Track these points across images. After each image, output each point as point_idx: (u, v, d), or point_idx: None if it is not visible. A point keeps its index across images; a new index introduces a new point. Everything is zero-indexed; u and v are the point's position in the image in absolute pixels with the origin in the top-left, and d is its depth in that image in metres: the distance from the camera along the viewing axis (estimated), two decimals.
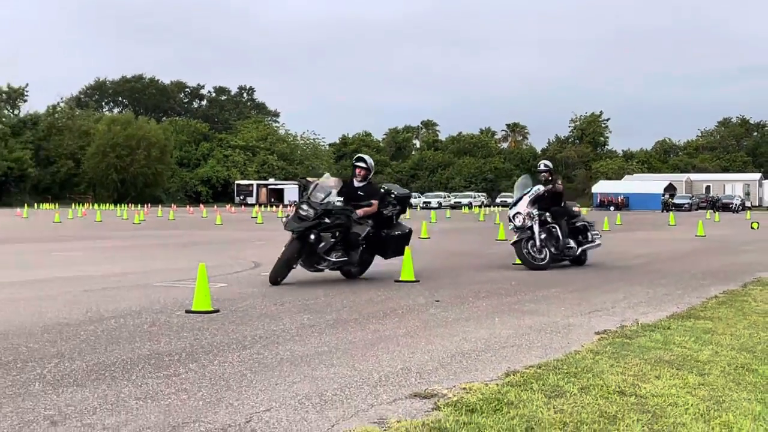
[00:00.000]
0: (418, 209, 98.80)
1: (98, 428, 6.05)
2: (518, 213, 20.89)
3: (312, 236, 16.21)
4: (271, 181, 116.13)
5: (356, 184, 18.28)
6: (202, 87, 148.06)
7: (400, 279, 17.70)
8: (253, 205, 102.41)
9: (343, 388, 7.34)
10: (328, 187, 17.52)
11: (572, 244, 21.89)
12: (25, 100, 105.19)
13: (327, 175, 19.04)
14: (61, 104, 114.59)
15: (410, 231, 19.40)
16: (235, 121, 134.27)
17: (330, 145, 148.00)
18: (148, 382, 7.62)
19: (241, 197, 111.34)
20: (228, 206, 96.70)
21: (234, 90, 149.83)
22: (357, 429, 5.90)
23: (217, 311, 12.24)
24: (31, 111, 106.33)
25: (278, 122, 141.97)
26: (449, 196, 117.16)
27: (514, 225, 20.83)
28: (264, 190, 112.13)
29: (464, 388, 7.24)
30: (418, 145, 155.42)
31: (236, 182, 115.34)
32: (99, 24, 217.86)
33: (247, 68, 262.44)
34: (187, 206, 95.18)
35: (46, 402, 6.84)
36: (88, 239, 39.29)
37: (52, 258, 26.38)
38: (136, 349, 9.24)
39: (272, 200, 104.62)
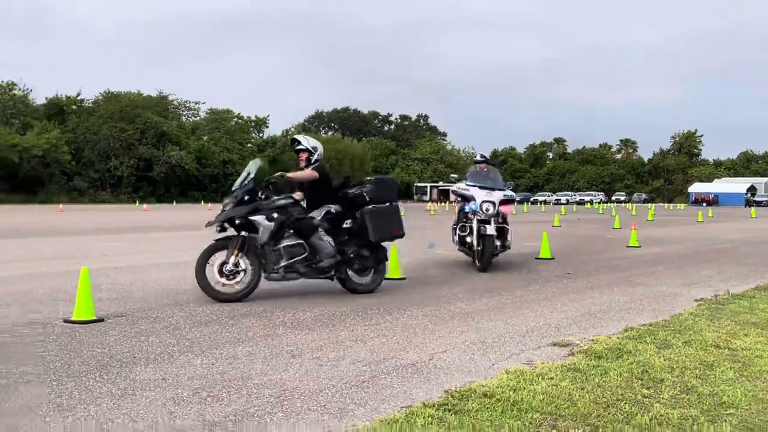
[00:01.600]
0: (551, 205, 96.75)
1: (324, 360, 6.47)
2: (492, 202, 14.29)
3: (237, 221, 9.84)
4: (441, 183, 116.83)
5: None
6: (391, 115, 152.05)
7: (540, 257, 17.21)
8: (427, 201, 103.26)
9: (500, 337, 7.59)
10: (247, 168, 10.90)
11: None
12: (267, 126, 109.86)
13: (257, 160, 11.50)
14: (291, 129, 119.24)
15: (394, 204, 11.45)
16: (415, 140, 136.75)
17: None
18: (358, 328, 8.03)
19: (419, 195, 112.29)
20: (407, 202, 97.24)
21: (414, 117, 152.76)
22: (511, 367, 6.15)
23: (404, 279, 12.56)
24: (271, 134, 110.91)
25: (446, 140, 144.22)
26: (575, 195, 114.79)
27: (484, 213, 13.97)
28: (435, 190, 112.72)
29: (592, 340, 7.36)
30: (551, 156, 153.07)
31: (415, 184, 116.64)
32: (322, 70, 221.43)
33: (424, 99, 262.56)
34: None
35: (288, 340, 7.32)
36: None
37: None
38: (348, 304, 9.67)
39: (441, 198, 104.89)
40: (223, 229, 10.01)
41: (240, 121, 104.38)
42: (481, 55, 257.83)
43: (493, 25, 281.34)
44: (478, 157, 15.77)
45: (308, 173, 10.79)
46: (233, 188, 10.32)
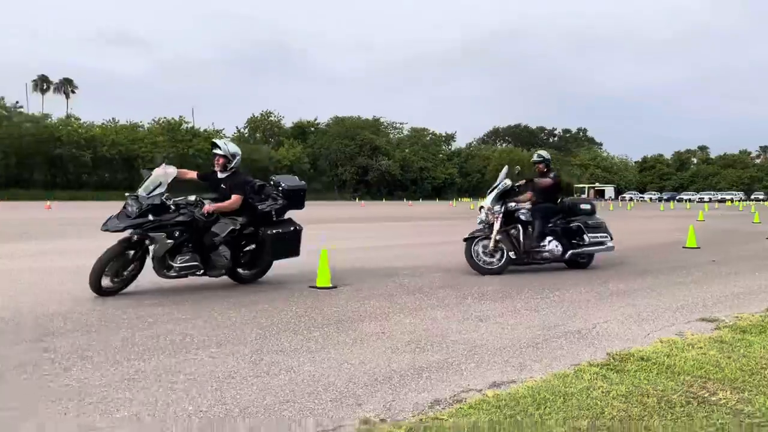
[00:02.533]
0: (696, 203, 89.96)
1: (505, 325, 6.42)
2: (482, 206, 10.87)
3: (135, 237, 7.66)
4: (597, 184, 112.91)
5: (219, 175, 8.69)
6: (555, 129, 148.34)
7: (686, 246, 15.60)
8: None
9: (653, 312, 7.16)
10: (160, 176, 8.12)
11: (551, 246, 10.49)
12: (454, 140, 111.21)
13: (164, 164, 8.53)
14: (473, 142, 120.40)
15: (297, 229, 9.09)
16: (575, 149, 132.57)
17: (635, 162, 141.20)
18: (531, 301, 7.87)
19: (578, 194, 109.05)
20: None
21: (574, 130, 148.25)
22: (664, 337, 5.81)
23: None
24: (457, 147, 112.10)
25: (601, 148, 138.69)
26: (716, 194, 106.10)
27: (479, 218, 10.85)
28: (592, 190, 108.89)
29: (737, 317, 6.78)
30: (695, 161, 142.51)
31: (575, 185, 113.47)
32: (499, 94, 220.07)
33: (583, 114, 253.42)
34: None
35: (475, 308, 7.30)
36: None
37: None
38: (522, 281, 9.50)
39: (597, 197, 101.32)
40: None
41: (433, 136, 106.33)
42: (632, 74, 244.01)
43: (645, 51, 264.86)
44: (535, 158, 11.17)
45: (234, 202, 8.16)
46: (139, 191, 7.69)
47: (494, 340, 5.67)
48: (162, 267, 7.74)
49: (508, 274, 10.14)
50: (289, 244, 8.85)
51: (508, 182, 10.22)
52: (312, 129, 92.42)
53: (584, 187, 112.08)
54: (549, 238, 10.11)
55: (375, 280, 9.44)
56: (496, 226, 9.91)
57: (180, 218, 7.80)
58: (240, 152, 8.61)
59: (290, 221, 9.10)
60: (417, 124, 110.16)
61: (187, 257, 7.82)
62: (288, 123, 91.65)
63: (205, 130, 74.66)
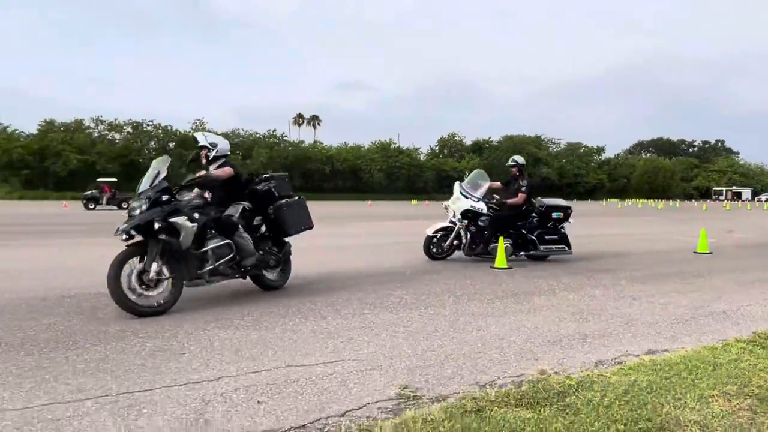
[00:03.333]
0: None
1: (656, 304, 6.06)
2: (446, 206, 9.54)
3: (157, 225, 5.24)
4: (734, 188, 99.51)
5: (208, 165, 6.45)
6: (695, 141, 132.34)
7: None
8: (723, 200, 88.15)
9: None
10: (157, 166, 5.75)
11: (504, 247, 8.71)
12: (604, 152, 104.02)
13: (165, 157, 6.02)
14: (620, 153, 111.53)
15: (301, 198, 7.11)
16: (713, 157, 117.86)
17: None
18: (679, 285, 7.30)
19: (716, 196, 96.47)
20: (707, 201, 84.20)
21: (713, 141, 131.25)
22: None
23: (710, 253, 10.97)
24: (606, 157, 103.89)
25: (738, 157, 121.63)
26: None
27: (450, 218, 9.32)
28: (729, 192, 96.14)
29: None
30: None
31: (713, 188, 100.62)
32: (644, 111, 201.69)
33: (721, 127, 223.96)
34: (685, 201, 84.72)
35: (629, 289, 6.95)
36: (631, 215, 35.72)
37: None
38: (664, 268, 8.79)
39: (734, 198, 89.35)
40: (130, 237, 5.36)
41: (586, 148, 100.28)
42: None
43: None
44: (510, 162, 9.62)
45: (227, 171, 6.30)
46: (140, 190, 5.56)
47: (647, 316, 5.42)
48: (195, 266, 5.68)
49: (655, 263, 9.48)
50: (300, 213, 6.91)
51: (484, 209, 8.98)
52: (487, 145, 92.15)
53: (722, 189, 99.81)
54: (504, 238, 8.82)
55: (543, 264, 9.32)
56: (454, 232, 9.25)
57: (194, 203, 5.96)
58: (221, 143, 6.54)
59: (291, 196, 6.96)
60: (572, 139, 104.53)
61: (217, 238, 5.90)
62: (468, 141, 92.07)
63: (407, 148, 78.23)
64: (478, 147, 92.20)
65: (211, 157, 6.44)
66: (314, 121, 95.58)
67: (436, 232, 9.17)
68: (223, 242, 5.91)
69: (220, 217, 6.07)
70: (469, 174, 9.48)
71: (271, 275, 6.69)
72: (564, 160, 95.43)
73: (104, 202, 29.89)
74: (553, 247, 9.29)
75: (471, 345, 4.34)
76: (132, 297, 5.13)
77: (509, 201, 9.22)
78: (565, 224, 9.59)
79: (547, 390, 3.30)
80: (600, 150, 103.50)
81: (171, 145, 62.32)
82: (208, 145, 6.46)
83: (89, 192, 30.40)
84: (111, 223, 19.59)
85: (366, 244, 12.64)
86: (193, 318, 5.07)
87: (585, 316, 5.36)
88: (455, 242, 9.12)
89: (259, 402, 3.14)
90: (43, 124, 57.57)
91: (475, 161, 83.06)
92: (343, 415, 2.98)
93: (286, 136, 73.19)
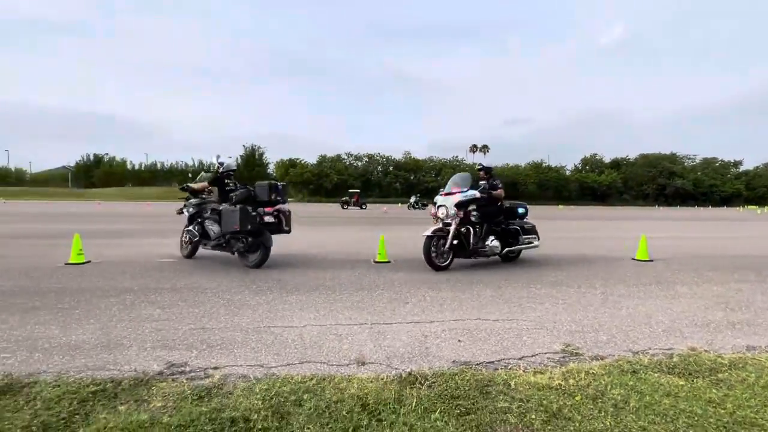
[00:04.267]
0: None
1: None
2: (444, 206, 6.27)
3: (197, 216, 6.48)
4: None
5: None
6: None
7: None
8: None
9: None
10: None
11: (493, 243, 6.30)
12: (741, 165, 79.73)
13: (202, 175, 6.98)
14: (761, 166, 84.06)
15: (243, 207, 5.64)
16: None
17: None
18: None
19: None
20: None
21: None
22: None
23: None
24: (743, 169, 79.72)
25: None
26: None
27: (437, 217, 6.36)
28: None
29: None
30: None
31: None
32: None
33: None
34: None
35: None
36: None
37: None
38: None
39: None
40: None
41: (722, 162, 79.26)
42: None
43: None
44: (477, 166, 7.13)
45: (201, 184, 6.39)
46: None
47: None
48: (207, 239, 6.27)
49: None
50: (232, 216, 5.76)
51: (477, 194, 6.34)
52: (624, 162, 79.26)
53: None
54: (492, 237, 6.45)
55: (685, 258, 7.75)
56: (452, 230, 6.15)
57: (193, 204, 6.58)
58: (227, 163, 6.50)
59: (271, 202, 6.10)
60: (707, 155, 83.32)
61: (191, 226, 6.50)
62: (607, 159, 79.87)
63: (555, 166, 72.09)
64: (616, 164, 79.80)
65: (221, 172, 6.43)
66: (484, 149, 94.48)
67: (434, 232, 6.25)
68: (189, 227, 6.45)
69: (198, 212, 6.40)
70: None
71: (250, 257, 5.99)
72: (699, 173, 77.06)
73: (352, 204, 33.69)
74: (529, 236, 6.83)
75: (621, 319, 3.85)
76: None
77: (494, 193, 6.69)
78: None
79: (698, 364, 2.78)
80: (737, 163, 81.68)
81: (390, 168, 67.47)
82: (218, 164, 6.51)
83: (344, 198, 34.56)
84: (359, 217, 21.63)
85: None
86: (410, 281, 5.38)
87: (732, 306, 4.34)
88: (454, 242, 6.16)
89: (459, 341, 3.23)
90: (319, 157, 67.09)
91: (614, 175, 72.39)
92: (520, 359, 2.91)
93: (465, 160, 73.27)
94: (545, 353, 3.01)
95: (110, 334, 3.24)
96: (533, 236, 6.89)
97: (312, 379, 2.51)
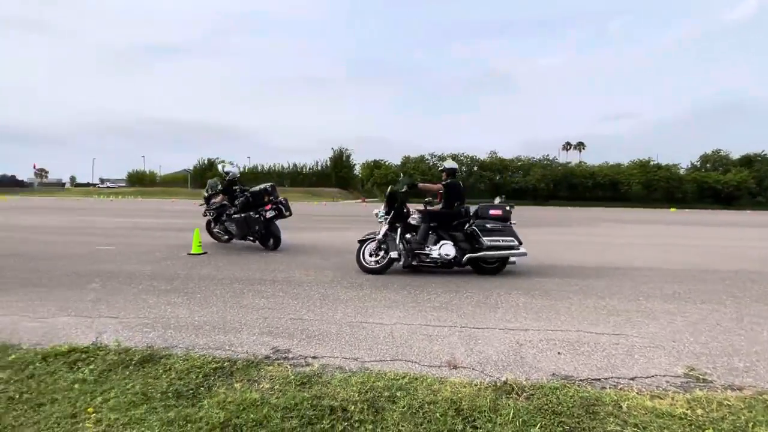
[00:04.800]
0: None
1: None
2: (378, 210, 5.71)
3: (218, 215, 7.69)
4: None
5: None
6: None
7: None
8: None
9: None
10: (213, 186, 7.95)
11: (442, 250, 5.23)
12: None
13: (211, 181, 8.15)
14: None
15: (246, 218, 7.14)
16: None
17: None
18: None
19: None
20: None
21: None
22: None
23: None
24: None
25: None
26: None
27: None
28: None
29: None
30: None
31: None
32: None
33: None
34: None
35: None
36: None
37: None
38: None
39: None
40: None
41: None
42: None
43: None
44: (440, 167, 6.37)
45: (220, 197, 7.75)
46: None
47: None
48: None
49: None
50: (249, 223, 7.23)
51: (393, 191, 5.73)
52: (758, 158, 66.87)
53: None
54: (443, 242, 5.50)
55: None
56: (381, 230, 5.67)
57: (213, 207, 7.87)
58: (232, 171, 7.69)
59: (258, 214, 7.24)
60: None
61: (217, 226, 7.94)
62: (735, 155, 68.12)
63: (666, 165, 63.67)
64: (748, 160, 67.77)
65: (227, 179, 7.56)
66: (580, 146, 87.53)
67: (365, 236, 5.88)
68: (221, 227, 7.77)
69: (221, 213, 7.62)
70: (400, 181, 6.10)
71: (268, 244, 7.42)
72: None
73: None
74: (501, 239, 5.57)
75: (763, 345, 3.24)
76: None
77: (423, 185, 6.13)
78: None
79: None
80: None
81: (475, 168, 65.94)
82: (223, 173, 7.63)
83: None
84: None
85: (628, 243, 10.71)
86: (500, 286, 5.16)
87: None
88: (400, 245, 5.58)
89: (559, 353, 3.01)
90: (403, 158, 68.16)
91: (744, 174, 61.64)
92: (632, 379, 2.61)
93: (557, 159, 68.58)
94: (663, 375, 2.66)
95: (225, 318, 3.64)
96: (510, 239, 5.57)
97: (405, 377, 2.53)
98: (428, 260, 5.59)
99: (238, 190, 7.51)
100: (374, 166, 69.40)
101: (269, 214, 7.18)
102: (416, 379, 2.51)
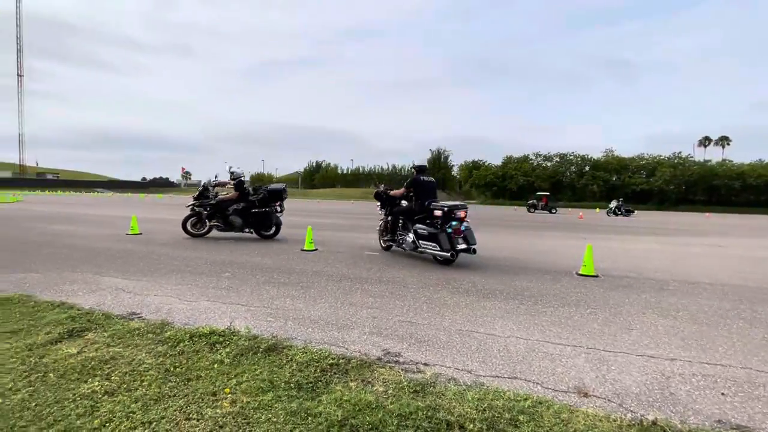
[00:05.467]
0: None
1: None
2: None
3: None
4: None
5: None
6: None
7: None
8: None
9: None
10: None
11: (407, 239, 6.45)
12: None
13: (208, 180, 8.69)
14: None
15: (267, 211, 8.33)
16: None
17: None
18: None
19: None
20: None
21: None
22: None
23: None
24: None
25: None
26: None
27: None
28: None
29: None
30: None
31: None
32: None
33: None
34: None
35: None
36: None
37: None
38: None
39: None
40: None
41: None
42: None
43: None
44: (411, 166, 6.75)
45: (233, 194, 8.40)
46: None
47: None
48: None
49: None
50: (264, 220, 8.46)
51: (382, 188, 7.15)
52: None
53: None
54: (409, 233, 6.48)
55: None
56: (382, 223, 7.31)
57: (209, 203, 8.47)
58: (237, 172, 8.45)
59: (270, 208, 8.46)
60: None
61: (215, 220, 8.47)
62: None
63: None
64: None
65: (239, 179, 8.37)
66: (723, 141, 73.27)
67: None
68: (217, 224, 8.42)
69: (218, 209, 8.41)
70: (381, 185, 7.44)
71: (264, 231, 8.50)
72: None
73: (540, 207, 31.07)
74: (428, 244, 6.15)
75: None
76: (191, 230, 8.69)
77: (390, 192, 7.21)
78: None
79: None
80: None
81: (586, 168, 59.39)
82: (231, 173, 8.44)
83: (531, 201, 32.00)
84: (546, 222, 19.97)
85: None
86: (630, 302, 4.49)
87: None
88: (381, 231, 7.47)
89: (723, 394, 2.45)
90: (505, 158, 64.93)
91: None
92: None
93: (691, 157, 58.45)
94: None
95: (337, 314, 3.76)
96: (433, 245, 6.04)
97: (527, 399, 2.29)
98: (404, 245, 6.68)
99: (249, 189, 8.48)
100: (473, 167, 67.43)
101: (279, 210, 8.48)
102: (540, 403, 2.26)
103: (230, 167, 8.50)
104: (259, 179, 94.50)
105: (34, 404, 2.20)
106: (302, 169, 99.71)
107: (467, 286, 4.96)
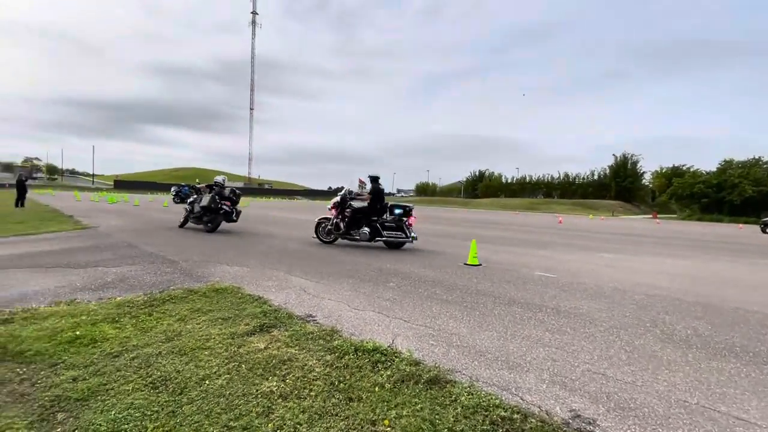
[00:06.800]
0: None
1: None
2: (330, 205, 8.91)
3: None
4: None
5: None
6: None
7: None
8: None
9: None
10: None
11: (363, 231, 8.39)
12: None
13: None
14: None
15: (226, 211, 10.02)
16: None
17: None
18: None
19: None
20: None
21: None
22: None
23: None
24: None
25: None
26: None
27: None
28: None
29: None
30: None
31: None
32: None
33: None
34: None
35: None
36: None
37: None
38: None
39: None
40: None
41: None
42: None
43: None
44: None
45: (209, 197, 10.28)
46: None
47: None
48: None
49: None
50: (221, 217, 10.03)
51: (338, 199, 8.74)
52: None
53: None
54: (365, 227, 8.40)
55: None
56: (332, 215, 8.83)
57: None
58: (218, 180, 10.36)
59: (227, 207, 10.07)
60: None
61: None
62: None
63: None
64: None
65: (220, 185, 10.29)
66: None
67: (322, 219, 9.07)
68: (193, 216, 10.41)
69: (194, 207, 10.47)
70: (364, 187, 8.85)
71: (206, 227, 10.04)
72: None
73: None
74: (393, 233, 8.37)
75: None
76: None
77: (359, 197, 8.77)
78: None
79: None
80: None
81: None
82: (215, 182, 10.37)
83: (766, 219, 23.62)
84: None
85: None
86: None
87: None
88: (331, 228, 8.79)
89: None
90: (723, 162, 51.47)
91: None
92: None
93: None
94: None
95: (507, 348, 3.24)
96: (399, 234, 8.39)
97: None
98: (356, 237, 8.40)
99: (216, 190, 10.26)
100: (672, 174, 55.13)
101: (223, 209, 9.99)
102: None
103: (217, 178, 10.51)
104: (423, 189, 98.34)
105: (228, 392, 2.42)
106: (464, 179, 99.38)
107: (685, 332, 3.72)
